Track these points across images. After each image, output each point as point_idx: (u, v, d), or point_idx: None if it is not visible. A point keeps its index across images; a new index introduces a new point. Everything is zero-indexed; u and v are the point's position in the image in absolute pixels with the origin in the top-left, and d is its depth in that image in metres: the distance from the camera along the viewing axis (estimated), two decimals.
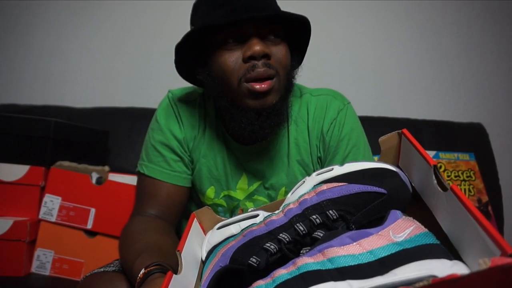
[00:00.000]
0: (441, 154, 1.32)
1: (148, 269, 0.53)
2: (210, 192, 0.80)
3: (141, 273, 0.54)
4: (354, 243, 0.37)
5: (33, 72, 1.63)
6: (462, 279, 0.25)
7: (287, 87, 0.71)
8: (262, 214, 0.53)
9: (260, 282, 0.38)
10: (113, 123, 1.37)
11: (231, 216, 0.69)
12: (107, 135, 1.33)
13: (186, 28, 0.74)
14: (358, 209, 0.45)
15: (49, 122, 1.05)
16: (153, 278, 0.52)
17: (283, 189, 0.79)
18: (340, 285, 0.32)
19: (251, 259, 0.43)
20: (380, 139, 0.56)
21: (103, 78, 1.62)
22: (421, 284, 0.26)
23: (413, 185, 0.50)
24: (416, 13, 1.59)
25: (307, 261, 0.37)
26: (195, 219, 0.56)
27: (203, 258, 0.52)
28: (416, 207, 0.48)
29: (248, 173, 0.79)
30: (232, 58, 0.66)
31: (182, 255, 0.44)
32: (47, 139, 1.05)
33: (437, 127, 1.40)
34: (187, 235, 0.49)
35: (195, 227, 0.54)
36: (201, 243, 0.55)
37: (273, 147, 0.78)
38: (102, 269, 0.68)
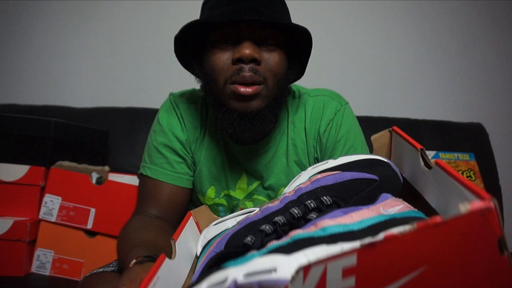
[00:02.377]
0: (441, 154, 1.32)
1: (140, 259, 0.52)
2: (211, 192, 0.81)
3: (132, 263, 0.52)
4: (345, 215, 0.39)
5: (33, 72, 1.63)
6: (445, 223, 0.27)
7: (277, 96, 0.70)
8: None
9: (253, 251, 0.39)
10: (113, 123, 1.37)
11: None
12: (107, 135, 1.33)
13: None
14: (351, 196, 0.46)
15: (49, 122, 1.05)
16: (143, 264, 0.51)
17: (282, 189, 0.79)
18: (332, 247, 0.33)
19: (247, 238, 0.44)
20: (372, 137, 0.57)
21: (103, 78, 1.62)
22: (406, 229, 0.27)
23: (404, 176, 0.51)
24: (416, 13, 1.59)
25: (300, 232, 0.38)
26: (192, 217, 0.56)
27: (198, 254, 0.52)
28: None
29: (248, 173, 0.79)
30: (223, 58, 0.66)
31: (176, 244, 0.44)
32: (47, 139, 1.05)
33: (437, 127, 1.40)
34: (182, 228, 0.49)
35: (190, 224, 0.54)
36: (196, 240, 0.55)
37: (271, 148, 0.78)
38: (101, 269, 0.68)
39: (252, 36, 0.65)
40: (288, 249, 0.35)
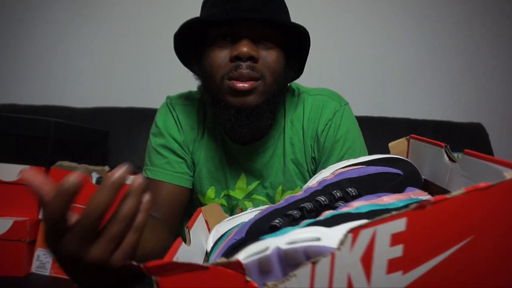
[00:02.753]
0: None
1: None
2: (211, 192, 0.81)
3: None
4: (378, 198, 0.40)
5: (33, 72, 1.63)
6: (492, 186, 0.27)
7: (275, 93, 0.70)
8: None
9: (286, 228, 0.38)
10: (113, 123, 1.38)
11: (231, 215, 0.69)
12: (107, 135, 1.33)
13: None
14: (376, 189, 0.45)
15: (49, 122, 1.05)
16: None
17: (280, 187, 0.79)
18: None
19: (275, 221, 0.41)
20: (389, 144, 0.57)
21: (103, 78, 1.62)
22: (454, 193, 0.27)
23: (424, 177, 0.51)
24: (416, 13, 1.59)
25: (334, 211, 0.38)
26: (201, 214, 0.56)
27: (209, 250, 0.49)
28: None
29: (247, 173, 0.80)
30: (221, 55, 0.67)
31: (190, 233, 0.44)
32: (47, 139, 1.05)
33: (437, 127, 1.40)
34: (196, 219, 0.49)
35: (200, 220, 0.54)
36: (205, 237, 0.53)
37: (270, 147, 0.79)
38: None
39: (251, 34, 0.66)
40: (327, 223, 0.34)
